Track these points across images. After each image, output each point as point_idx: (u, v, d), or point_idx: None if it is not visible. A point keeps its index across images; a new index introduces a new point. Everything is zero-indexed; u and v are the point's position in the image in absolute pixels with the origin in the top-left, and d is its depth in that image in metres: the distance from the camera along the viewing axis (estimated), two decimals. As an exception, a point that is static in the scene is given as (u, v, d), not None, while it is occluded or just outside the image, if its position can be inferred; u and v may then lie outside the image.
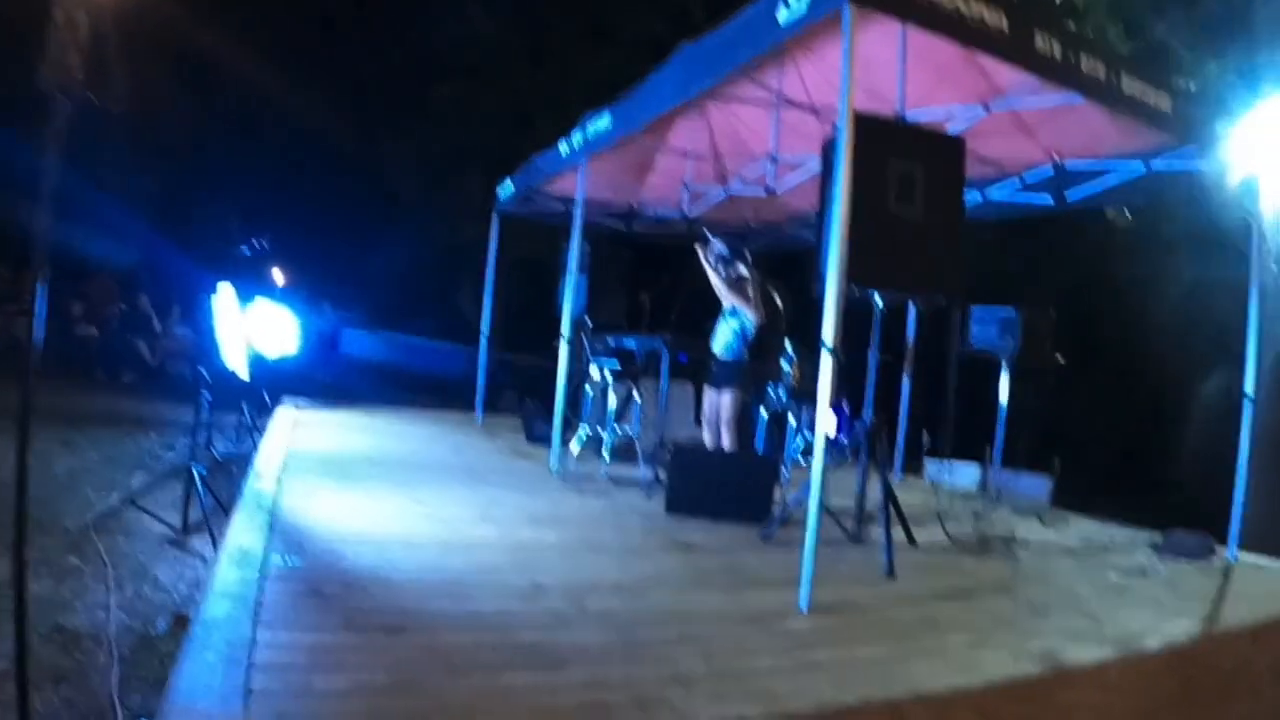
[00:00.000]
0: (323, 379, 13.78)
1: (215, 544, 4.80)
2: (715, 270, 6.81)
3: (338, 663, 2.45)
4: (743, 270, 6.75)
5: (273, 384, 9.19)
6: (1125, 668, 3.28)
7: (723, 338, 6.87)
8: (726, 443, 6.79)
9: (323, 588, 3.13)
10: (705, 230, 7.48)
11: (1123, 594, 4.40)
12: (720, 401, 6.90)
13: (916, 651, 3.10)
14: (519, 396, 12.84)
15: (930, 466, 8.47)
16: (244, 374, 5.97)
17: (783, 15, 4.03)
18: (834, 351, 3.45)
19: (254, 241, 6.24)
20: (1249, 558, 5.61)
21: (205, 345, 5.91)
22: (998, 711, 2.81)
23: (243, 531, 3.75)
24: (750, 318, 6.72)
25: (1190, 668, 3.59)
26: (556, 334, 6.98)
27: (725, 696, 2.47)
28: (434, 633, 2.80)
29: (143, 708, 2.98)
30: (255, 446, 6.90)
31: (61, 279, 13.59)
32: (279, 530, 3.87)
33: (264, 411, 8.85)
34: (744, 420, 7.34)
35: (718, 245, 6.89)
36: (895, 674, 2.80)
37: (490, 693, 2.36)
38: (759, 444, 7.28)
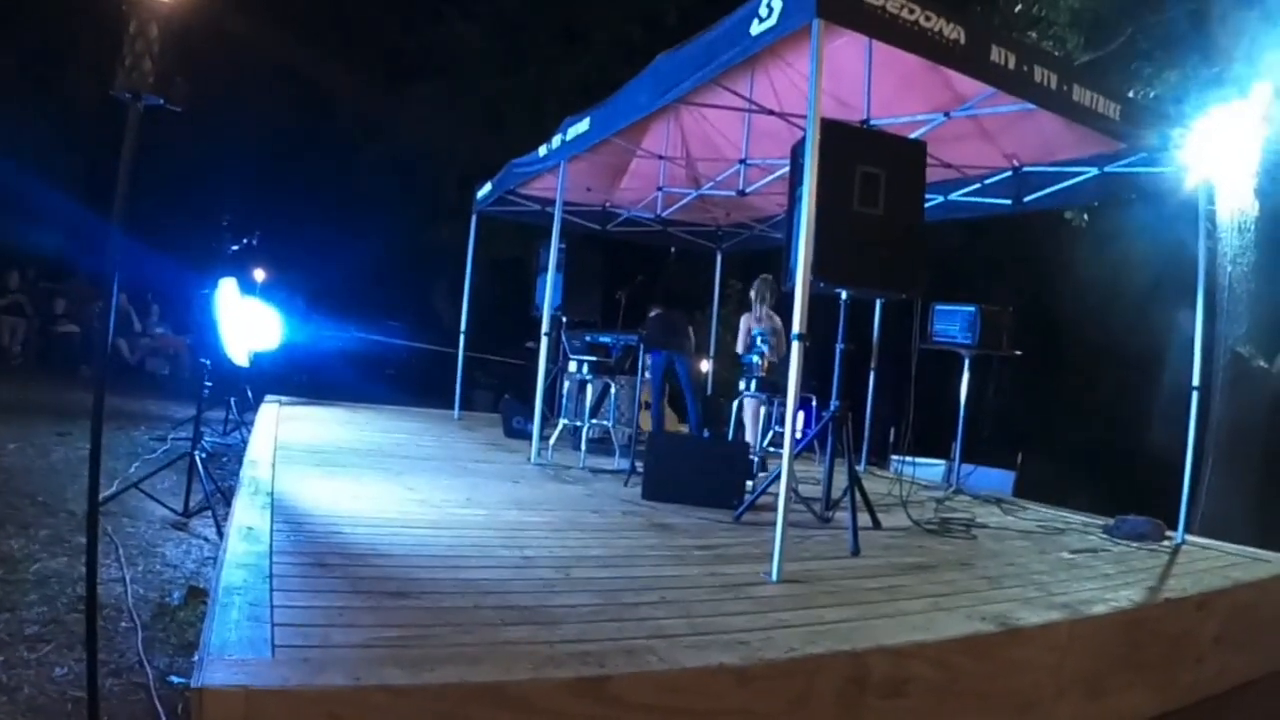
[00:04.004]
0: (298, 377, 13.90)
1: (218, 526, 4.99)
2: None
3: (351, 621, 2.67)
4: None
5: (254, 380, 9.36)
6: (1074, 628, 3.56)
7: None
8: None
9: (326, 560, 3.35)
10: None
11: (1073, 568, 4.70)
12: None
13: (878, 614, 3.36)
14: (494, 397, 13.02)
15: (895, 460, 8.75)
16: (244, 362, 6.18)
17: (755, 27, 4.29)
18: (801, 337, 3.72)
19: (244, 239, 6.42)
20: (1197, 540, 5.94)
21: (206, 339, 6.11)
22: (953, 663, 3.09)
23: (246, 511, 3.95)
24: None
25: (1138, 632, 3.87)
26: (530, 333, 7.21)
27: (705, 647, 2.72)
28: (435, 597, 3.02)
29: (169, 667, 3.19)
30: (243, 440, 7.07)
31: (44, 278, 13.66)
32: (279, 511, 4.07)
33: (248, 408, 9.02)
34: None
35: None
36: (859, 631, 3.07)
37: (494, 644, 2.60)
38: (730, 433, 7.53)
